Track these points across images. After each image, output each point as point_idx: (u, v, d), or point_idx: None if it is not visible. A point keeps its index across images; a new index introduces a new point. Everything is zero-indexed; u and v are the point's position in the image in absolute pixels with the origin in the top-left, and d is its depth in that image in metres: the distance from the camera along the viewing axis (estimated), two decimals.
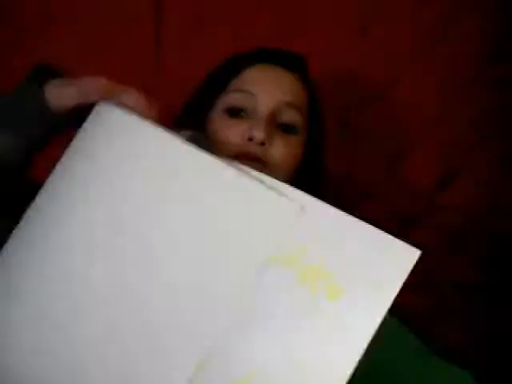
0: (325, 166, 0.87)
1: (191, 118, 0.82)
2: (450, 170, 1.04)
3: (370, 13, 1.03)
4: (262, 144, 0.74)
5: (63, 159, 0.53)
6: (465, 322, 1.03)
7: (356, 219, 0.50)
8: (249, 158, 0.73)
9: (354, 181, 1.02)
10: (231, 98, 0.78)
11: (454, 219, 1.04)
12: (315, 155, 0.83)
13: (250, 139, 0.74)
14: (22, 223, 0.52)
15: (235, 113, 0.77)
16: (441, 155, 1.05)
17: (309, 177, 0.81)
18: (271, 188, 0.51)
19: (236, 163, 0.51)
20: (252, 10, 1.01)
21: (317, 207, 0.51)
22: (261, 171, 0.54)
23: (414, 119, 1.04)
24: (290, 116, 0.77)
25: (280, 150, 0.75)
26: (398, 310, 0.58)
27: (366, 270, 0.49)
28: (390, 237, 0.50)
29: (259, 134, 0.73)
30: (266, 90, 0.77)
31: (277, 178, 0.72)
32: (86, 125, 0.53)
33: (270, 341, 0.50)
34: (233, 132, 0.75)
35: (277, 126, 0.76)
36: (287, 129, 0.77)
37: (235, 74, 0.80)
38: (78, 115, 0.54)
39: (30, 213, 0.52)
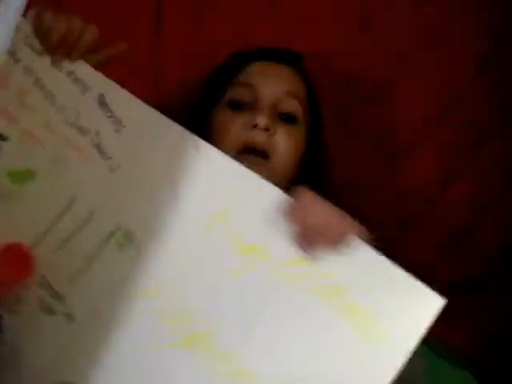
0: (327, 159, 0.88)
1: (195, 118, 0.82)
2: (450, 170, 1.04)
3: (370, 13, 1.03)
4: (267, 130, 0.75)
5: None
6: (465, 322, 1.03)
7: (392, 264, 0.56)
8: (254, 152, 0.74)
9: (354, 180, 1.01)
10: (233, 92, 0.80)
11: (453, 219, 1.04)
12: (316, 147, 0.84)
13: (254, 126, 0.75)
14: None
15: (237, 106, 0.78)
16: (441, 155, 1.04)
17: (311, 168, 0.82)
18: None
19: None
20: (252, 10, 1.01)
21: (365, 254, 0.56)
22: (264, 165, 0.66)
23: (414, 119, 1.04)
24: (290, 105, 0.79)
25: (283, 139, 0.77)
26: None
27: (397, 311, 0.55)
28: (420, 284, 0.57)
29: (262, 120, 0.74)
30: (266, 81, 0.79)
31: (281, 169, 0.75)
32: None
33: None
34: (235, 124, 0.76)
35: (278, 117, 0.78)
36: (288, 119, 0.79)
37: (236, 71, 0.81)
38: None
39: None
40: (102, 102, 0.61)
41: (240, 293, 0.57)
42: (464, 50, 1.04)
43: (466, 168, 1.04)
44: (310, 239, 0.56)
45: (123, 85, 0.61)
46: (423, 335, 0.54)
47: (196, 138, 0.60)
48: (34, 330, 0.58)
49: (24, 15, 0.57)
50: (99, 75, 0.62)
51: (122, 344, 0.56)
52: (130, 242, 0.59)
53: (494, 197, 1.04)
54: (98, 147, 0.61)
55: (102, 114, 0.61)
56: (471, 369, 0.80)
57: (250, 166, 0.61)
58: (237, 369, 0.55)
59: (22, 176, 0.60)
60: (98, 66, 0.62)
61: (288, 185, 0.70)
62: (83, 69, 0.61)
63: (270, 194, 0.58)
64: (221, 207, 0.58)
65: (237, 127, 0.76)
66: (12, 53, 0.59)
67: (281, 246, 0.57)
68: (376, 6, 1.03)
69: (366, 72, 1.03)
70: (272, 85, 0.79)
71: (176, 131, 0.60)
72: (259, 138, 0.74)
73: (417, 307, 0.55)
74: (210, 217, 0.58)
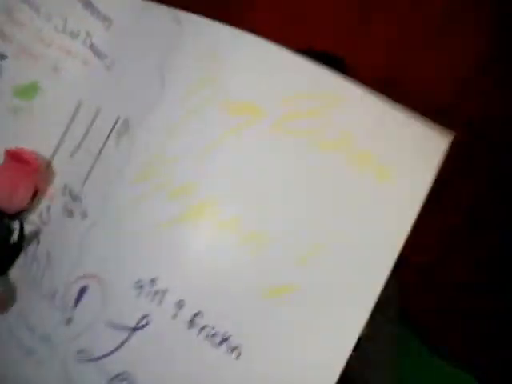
0: None
1: None
2: (450, 170, 1.04)
3: (371, 12, 1.03)
4: None
5: None
6: (465, 322, 1.03)
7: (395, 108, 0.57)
8: None
9: None
10: None
11: (454, 219, 1.04)
12: None
13: None
14: None
15: None
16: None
17: None
18: None
19: None
20: (250, 9, 1.01)
21: (359, 98, 0.54)
22: None
23: None
24: None
25: None
26: (399, 311, 0.59)
27: (407, 155, 0.54)
28: (422, 123, 0.55)
29: None
30: None
31: None
32: None
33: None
34: None
35: None
36: None
37: None
38: None
39: None
40: (88, 3, 0.62)
41: (239, 153, 0.55)
42: (464, 49, 1.04)
43: (467, 168, 1.04)
44: None
45: None
46: (435, 173, 0.55)
47: (176, 11, 0.60)
48: (59, 234, 0.61)
49: None
50: None
51: (131, 227, 0.57)
52: (126, 129, 0.59)
53: (495, 196, 1.04)
54: (92, 48, 0.62)
55: (90, 15, 0.62)
56: (471, 369, 0.80)
57: None
58: (247, 232, 0.54)
59: (27, 90, 0.62)
60: None
61: None
62: None
63: (254, 48, 0.56)
64: (207, 72, 0.57)
65: None
66: None
67: (274, 101, 0.54)
68: (376, 7, 1.03)
69: (366, 69, 1.03)
70: None
71: (157, 11, 0.61)
72: None
73: (426, 146, 0.55)
74: (196, 83, 0.57)
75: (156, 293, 0.54)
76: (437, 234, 1.03)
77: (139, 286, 0.55)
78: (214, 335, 0.53)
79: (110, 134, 0.60)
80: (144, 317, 0.54)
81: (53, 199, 0.61)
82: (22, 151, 0.60)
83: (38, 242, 0.61)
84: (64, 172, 0.62)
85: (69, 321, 0.58)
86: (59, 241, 0.60)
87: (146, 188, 0.57)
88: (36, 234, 0.62)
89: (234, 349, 0.53)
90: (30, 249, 0.61)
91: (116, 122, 0.60)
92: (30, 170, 0.60)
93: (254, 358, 0.53)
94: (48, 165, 0.61)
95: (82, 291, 0.58)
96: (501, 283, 1.04)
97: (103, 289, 0.56)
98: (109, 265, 0.57)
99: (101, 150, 0.60)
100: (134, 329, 0.54)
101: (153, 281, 0.55)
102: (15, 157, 0.59)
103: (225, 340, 0.53)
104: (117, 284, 0.56)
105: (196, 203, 0.55)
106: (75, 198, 0.61)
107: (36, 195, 0.61)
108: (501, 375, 0.97)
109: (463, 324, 1.02)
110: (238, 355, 0.52)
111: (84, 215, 0.59)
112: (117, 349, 0.54)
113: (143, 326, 0.54)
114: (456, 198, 1.02)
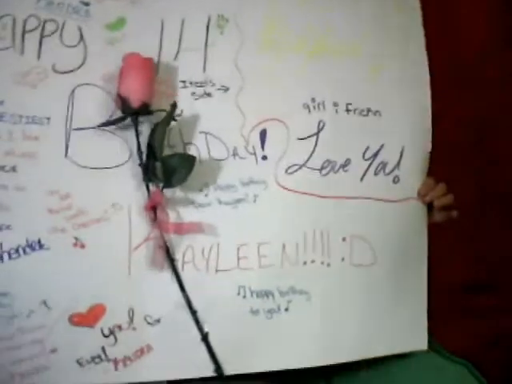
0: None
1: None
2: (450, 171, 1.04)
3: None
4: None
5: None
6: (465, 322, 1.03)
7: None
8: None
9: None
10: None
11: (453, 219, 1.04)
12: None
13: None
14: None
15: None
16: (441, 155, 1.04)
17: None
18: None
19: None
20: None
21: None
22: None
23: None
24: None
25: None
26: None
27: None
28: None
29: None
30: None
31: None
32: None
33: None
34: None
35: None
36: None
37: None
38: None
39: None
40: None
41: None
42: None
43: (466, 168, 1.05)
44: None
45: None
46: None
47: None
48: None
49: None
50: None
51: None
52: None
53: (494, 196, 1.04)
54: None
55: None
56: (469, 367, 0.81)
57: None
58: None
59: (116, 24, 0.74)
60: None
61: None
62: None
63: None
64: None
65: None
66: None
67: None
68: None
69: None
70: None
71: None
72: None
73: None
74: None
75: None
76: (437, 235, 1.03)
77: None
78: None
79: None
80: None
81: None
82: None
83: None
84: None
85: None
86: None
87: None
88: None
89: None
90: None
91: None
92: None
93: None
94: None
95: None
96: (502, 283, 1.04)
97: None
98: None
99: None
100: None
101: None
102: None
103: None
104: None
105: None
106: None
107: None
108: (500, 375, 0.97)
109: (463, 324, 1.03)
110: None
111: None
112: None
113: None
114: (455, 198, 1.02)
